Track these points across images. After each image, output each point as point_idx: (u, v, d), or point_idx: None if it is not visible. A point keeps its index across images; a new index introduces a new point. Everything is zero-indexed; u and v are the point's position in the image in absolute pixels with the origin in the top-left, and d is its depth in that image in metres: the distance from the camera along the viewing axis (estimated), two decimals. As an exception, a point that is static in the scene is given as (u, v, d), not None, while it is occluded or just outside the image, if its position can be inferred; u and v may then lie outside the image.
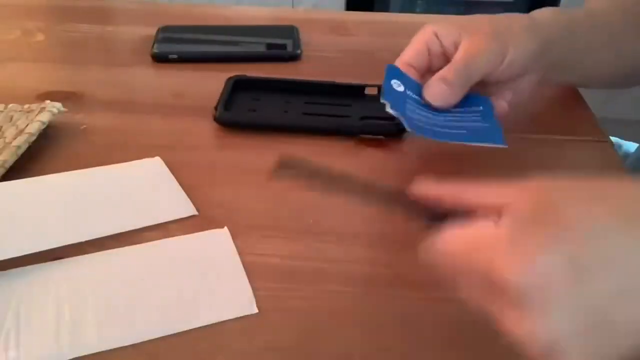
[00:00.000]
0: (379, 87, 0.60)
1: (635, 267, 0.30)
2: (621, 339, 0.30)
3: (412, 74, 0.55)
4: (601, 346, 0.30)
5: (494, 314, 0.32)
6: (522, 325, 0.30)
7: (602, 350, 0.30)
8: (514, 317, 0.31)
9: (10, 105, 0.60)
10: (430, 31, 0.55)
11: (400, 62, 0.56)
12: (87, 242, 0.46)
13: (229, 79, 0.65)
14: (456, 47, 0.54)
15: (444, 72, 0.53)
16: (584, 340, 0.30)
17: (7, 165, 0.52)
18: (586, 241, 0.30)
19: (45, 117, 0.58)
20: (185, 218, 0.49)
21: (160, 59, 0.73)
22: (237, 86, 0.64)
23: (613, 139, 0.65)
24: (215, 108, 0.61)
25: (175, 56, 0.73)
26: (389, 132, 0.58)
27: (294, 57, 0.73)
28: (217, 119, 0.60)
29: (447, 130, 0.52)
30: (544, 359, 0.30)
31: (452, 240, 0.34)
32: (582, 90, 0.68)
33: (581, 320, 0.30)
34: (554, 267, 0.30)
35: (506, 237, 0.31)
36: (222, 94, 0.63)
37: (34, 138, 0.55)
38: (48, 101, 0.61)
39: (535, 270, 0.30)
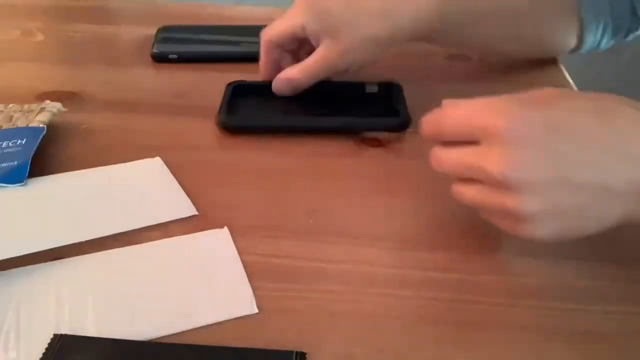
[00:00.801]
0: (379, 84, 0.61)
1: (596, 140, 0.37)
2: (585, 208, 0.38)
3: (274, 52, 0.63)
4: (564, 203, 0.37)
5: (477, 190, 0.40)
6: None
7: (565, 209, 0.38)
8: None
9: (10, 105, 0.60)
10: (299, 23, 0.60)
11: (266, 37, 0.62)
12: (87, 242, 0.46)
13: (229, 84, 0.65)
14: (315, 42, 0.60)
15: (292, 72, 0.61)
16: (552, 196, 0.37)
17: (7, 165, 0.52)
18: (560, 112, 0.38)
19: (45, 117, 0.58)
20: (185, 218, 0.49)
21: (160, 59, 0.73)
22: (237, 91, 0.64)
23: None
24: (218, 114, 0.60)
25: (175, 56, 0.73)
26: (392, 128, 0.58)
27: None
28: (222, 125, 0.59)
29: None
30: (519, 227, 0.39)
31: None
32: (581, 87, 0.67)
33: (550, 172, 0.37)
34: (533, 120, 0.37)
35: (494, 107, 0.39)
36: (223, 99, 0.62)
37: (34, 138, 0.55)
38: (48, 101, 0.61)
39: (519, 120, 0.37)
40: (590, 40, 0.66)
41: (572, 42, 0.67)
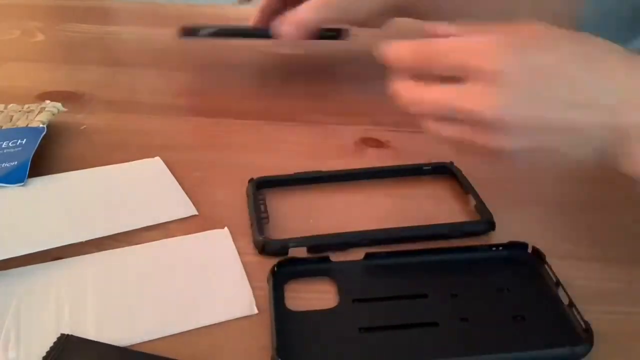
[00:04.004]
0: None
1: (581, 88, 0.39)
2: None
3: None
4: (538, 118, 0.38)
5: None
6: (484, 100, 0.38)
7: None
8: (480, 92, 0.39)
9: (10, 105, 0.60)
10: None
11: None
12: (87, 242, 0.46)
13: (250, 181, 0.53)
14: None
15: (300, 12, 0.58)
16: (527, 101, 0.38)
17: (7, 165, 0.52)
18: (552, 56, 0.39)
19: (45, 117, 0.58)
20: (185, 218, 0.49)
21: (189, 33, 0.66)
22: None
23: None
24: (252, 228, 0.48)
25: (206, 32, 0.66)
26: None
27: None
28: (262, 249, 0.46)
29: None
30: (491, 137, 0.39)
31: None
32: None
33: (534, 113, 0.38)
34: (526, 64, 0.39)
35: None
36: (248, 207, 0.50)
37: (34, 138, 0.55)
38: (48, 101, 0.61)
39: (514, 65, 0.38)
40: None
41: None
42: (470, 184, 0.51)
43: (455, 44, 0.41)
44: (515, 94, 0.38)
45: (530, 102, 0.38)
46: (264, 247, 0.45)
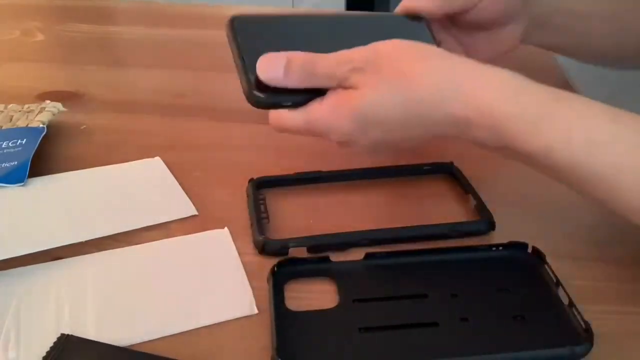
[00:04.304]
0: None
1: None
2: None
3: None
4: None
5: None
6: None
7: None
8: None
9: (10, 105, 0.60)
10: None
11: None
12: (87, 242, 0.46)
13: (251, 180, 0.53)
14: None
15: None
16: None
17: (7, 165, 0.52)
18: (375, 108, 0.43)
19: (45, 117, 0.58)
20: (185, 218, 0.49)
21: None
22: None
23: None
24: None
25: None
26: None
27: None
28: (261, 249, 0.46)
29: None
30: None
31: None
32: (581, 87, 0.67)
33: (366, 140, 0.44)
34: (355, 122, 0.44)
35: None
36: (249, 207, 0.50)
37: (34, 138, 0.55)
38: (48, 101, 0.61)
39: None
40: None
41: None
42: (470, 184, 0.51)
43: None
44: (360, 138, 0.44)
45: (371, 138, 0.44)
46: (264, 247, 0.45)
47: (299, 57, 0.44)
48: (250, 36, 0.47)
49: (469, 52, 0.55)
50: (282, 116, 0.45)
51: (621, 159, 0.39)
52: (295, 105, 0.45)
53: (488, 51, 0.56)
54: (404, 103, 0.42)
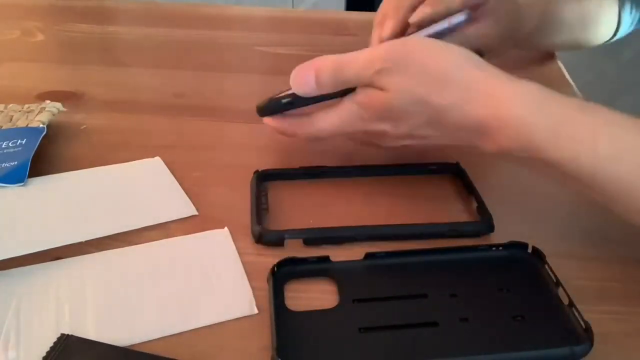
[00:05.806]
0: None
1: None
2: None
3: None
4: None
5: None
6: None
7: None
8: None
9: (10, 105, 0.60)
10: None
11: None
12: (87, 242, 0.46)
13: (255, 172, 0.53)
14: None
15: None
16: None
17: (7, 165, 0.52)
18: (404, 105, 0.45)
19: (45, 117, 0.58)
20: (185, 218, 0.49)
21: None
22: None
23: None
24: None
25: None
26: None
27: None
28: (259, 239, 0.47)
29: None
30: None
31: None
32: (581, 87, 0.67)
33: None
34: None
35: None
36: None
37: (34, 138, 0.55)
38: (48, 101, 0.61)
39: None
40: (626, 19, 0.68)
41: (613, 25, 0.68)
42: (473, 185, 0.51)
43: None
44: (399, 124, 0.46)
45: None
46: (261, 237, 0.46)
47: (326, 65, 0.47)
48: None
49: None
50: (316, 120, 0.49)
51: None
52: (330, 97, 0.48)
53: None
54: (429, 103, 0.44)
